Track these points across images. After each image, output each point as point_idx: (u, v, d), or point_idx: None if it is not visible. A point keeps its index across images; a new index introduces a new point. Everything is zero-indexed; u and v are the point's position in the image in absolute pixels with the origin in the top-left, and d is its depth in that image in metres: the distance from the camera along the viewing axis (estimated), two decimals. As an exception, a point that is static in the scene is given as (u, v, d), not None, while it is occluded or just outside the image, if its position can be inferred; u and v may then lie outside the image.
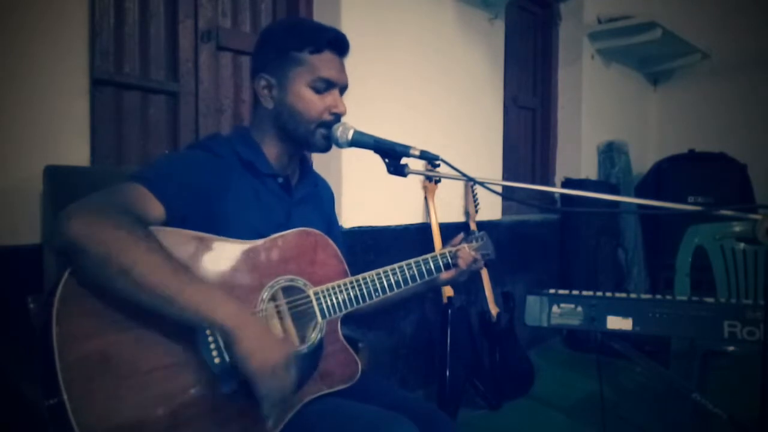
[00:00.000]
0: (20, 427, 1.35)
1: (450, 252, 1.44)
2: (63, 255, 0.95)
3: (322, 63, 1.25)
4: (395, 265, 1.33)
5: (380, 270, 1.30)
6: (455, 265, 1.44)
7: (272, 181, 1.29)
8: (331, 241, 1.29)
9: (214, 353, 1.02)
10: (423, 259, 1.39)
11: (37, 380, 0.93)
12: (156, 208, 1.08)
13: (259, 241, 1.16)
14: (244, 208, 1.21)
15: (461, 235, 1.54)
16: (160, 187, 1.10)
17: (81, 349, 0.91)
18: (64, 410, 0.87)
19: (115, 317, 0.96)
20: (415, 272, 1.36)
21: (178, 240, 1.06)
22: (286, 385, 1.01)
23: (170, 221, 1.10)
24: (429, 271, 1.39)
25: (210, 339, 1.02)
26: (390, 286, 1.30)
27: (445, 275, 1.44)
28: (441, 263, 1.42)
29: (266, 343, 1.00)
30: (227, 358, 1.02)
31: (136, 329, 0.97)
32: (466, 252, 1.46)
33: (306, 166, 1.41)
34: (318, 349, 1.19)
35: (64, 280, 0.93)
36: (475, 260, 1.47)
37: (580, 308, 1.59)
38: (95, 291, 0.95)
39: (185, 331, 1.01)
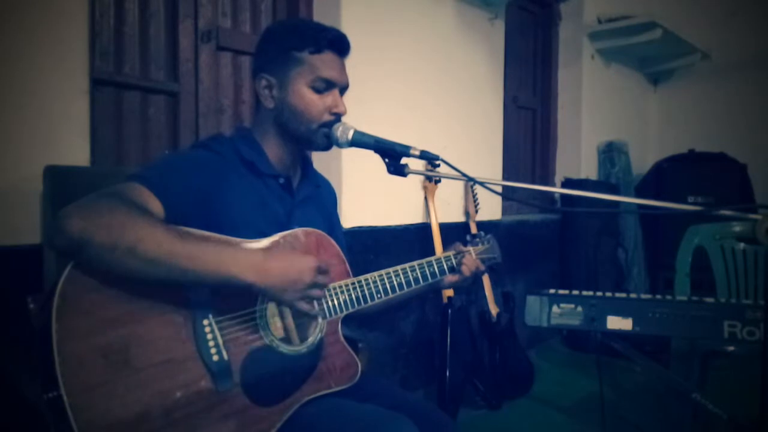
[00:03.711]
0: (20, 427, 1.35)
1: (454, 255, 1.43)
2: (66, 254, 0.95)
3: (323, 63, 1.25)
4: (398, 267, 1.33)
5: (383, 272, 1.30)
6: (459, 271, 1.42)
7: (274, 181, 1.29)
8: (333, 241, 1.29)
9: (213, 350, 1.02)
10: (427, 262, 1.37)
11: (36, 378, 0.93)
12: (155, 207, 1.08)
13: (261, 241, 1.16)
14: (245, 208, 1.21)
15: (468, 238, 1.53)
16: (160, 185, 1.10)
17: (80, 344, 0.92)
18: (62, 404, 0.88)
19: (115, 313, 0.96)
20: (419, 275, 1.35)
21: None
22: (322, 291, 1.14)
23: (170, 220, 1.10)
24: (432, 274, 1.38)
25: (209, 336, 1.02)
26: (392, 288, 1.30)
27: (448, 279, 1.43)
28: (445, 266, 1.40)
29: (288, 275, 1.06)
30: (225, 356, 1.03)
31: (136, 325, 0.97)
32: (470, 259, 1.43)
33: (308, 167, 1.41)
34: (318, 349, 1.19)
35: (65, 277, 0.94)
36: (477, 267, 1.44)
37: (580, 308, 1.59)
38: (95, 287, 0.95)
39: (185, 328, 1.01)
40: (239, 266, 1.01)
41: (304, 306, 1.09)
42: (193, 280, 0.99)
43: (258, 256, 1.05)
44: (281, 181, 1.30)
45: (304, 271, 1.07)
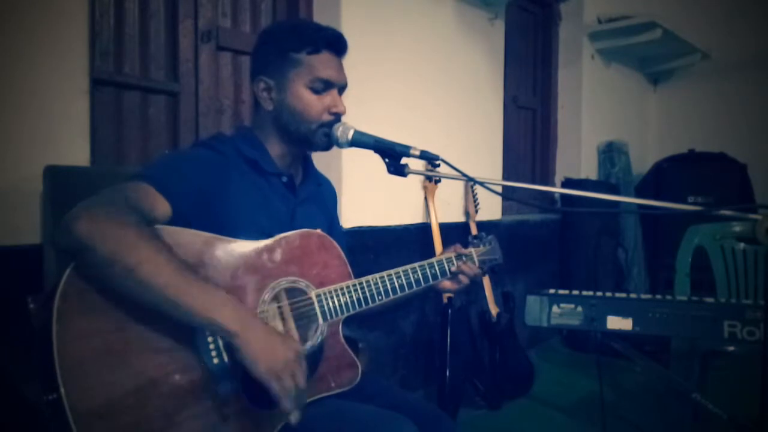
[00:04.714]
0: (20, 427, 1.35)
1: (456, 256, 1.42)
2: (69, 254, 0.95)
3: (320, 63, 1.25)
4: (399, 269, 1.32)
5: (383, 273, 1.29)
6: (456, 278, 1.41)
7: (276, 180, 1.29)
8: (335, 243, 1.28)
9: (213, 353, 1.02)
10: (428, 263, 1.37)
11: (36, 378, 0.93)
12: (162, 207, 1.08)
13: (263, 242, 1.16)
14: (248, 207, 1.21)
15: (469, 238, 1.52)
16: (166, 185, 1.10)
17: (80, 345, 0.92)
18: (62, 406, 0.88)
19: (115, 315, 0.96)
20: (420, 276, 1.35)
21: (183, 239, 1.06)
22: (299, 380, 1.01)
23: (176, 219, 1.10)
24: (434, 276, 1.37)
25: (209, 339, 1.02)
26: (393, 289, 1.29)
27: (447, 285, 1.42)
28: (446, 268, 1.39)
29: (271, 344, 1.00)
30: (226, 359, 1.02)
31: (136, 327, 0.97)
32: (468, 267, 1.41)
33: (310, 166, 1.41)
34: (318, 351, 1.19)
35: (66, 278, 0.93)
36: (476, 275, 1.43)
37: (580, 308, 1.59)
38: (96, 289, 0.95)
39: (185, 331, 1.01)
40: (226, 315, 0.97)
41: (274, 386, 0.97)
42: (178, 316, 0.97)
43: (248, 313, 1.03)
44: (284, 179, 1.30)
45: (288, 348, 1.01)
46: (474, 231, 2.88)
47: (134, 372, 0.95)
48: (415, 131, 2.69)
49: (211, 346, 1.02)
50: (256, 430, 1.07)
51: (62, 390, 0.88)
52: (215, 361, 1.02)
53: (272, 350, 0.99)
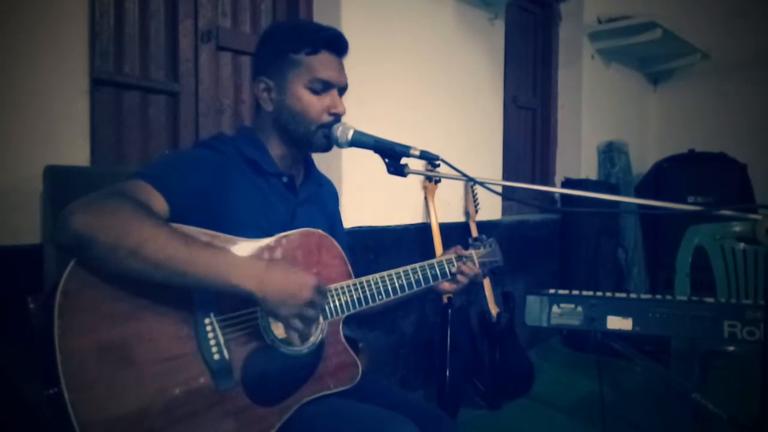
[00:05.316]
0: (20, 427, 1.35)
1: (456, 258, 1.42)
2: (70, 251, 0.95)
3: (319, 64, 1.25)
4: (400, 269, 1.33)
5: (384, 273, 1.30)
6: (455, 279, 1.41)
7: (277, 180, 1.29)
8: (335, 242, 1.29)
9: (214, 349, 1.03)
10: (429, 264, 1.37)
11: (36, 376, 0.93)
12: (159, 204, 1.09)
13: (264, 241, 1.17)
14: (248, 207, 1.21)
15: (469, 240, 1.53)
16: (164, 183, 1.10)
17: (81, 341, 0.92)
18: (63, 400, 0.88)
19: (117, 311, 0.96)
20: (420, 277, 1.35)
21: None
22: (320, 304, 1.10)
23: (175, 219, 1.10)
24: (434, 277, 1.38)
25: (210, 335, 1.02)
26: (394, 289, 1.30)
27: (445, 287, 1.42)
28: (447, 269, 1.40)
29: (288, 289, 1.04)
30: (226, 355, 1.03)
31: (137, 323, 0.98)
32: (468, 267, 1.42)
33: (311, 166, 1.41)
34: (319, 349, 1.19)
35: (67, 274, 0.94)
36: (476, 275, 1.44)
37: (580, 308, 1.59)
38: (97, 285, 0.95)
39: (187, 327, 1.01)
40: (239, 275, 1.00)
41: (297, 324, 1.07)
42: (193, 285, 0.99)
43: (259, 266, 1.04)
44: (284, 180, 1.30)
45: (303, 288, 1.06)
46: (474, 231, 2.88)
47: (135, 367, 0.95)
48: (415, 131, 2.69)
49: (212, 342, 1.02)
50: (257, 427, 1.07)
51: (63, 384, 0.88)
52: (216, 357, 1.02)
53: (290, 296, 1.04)
